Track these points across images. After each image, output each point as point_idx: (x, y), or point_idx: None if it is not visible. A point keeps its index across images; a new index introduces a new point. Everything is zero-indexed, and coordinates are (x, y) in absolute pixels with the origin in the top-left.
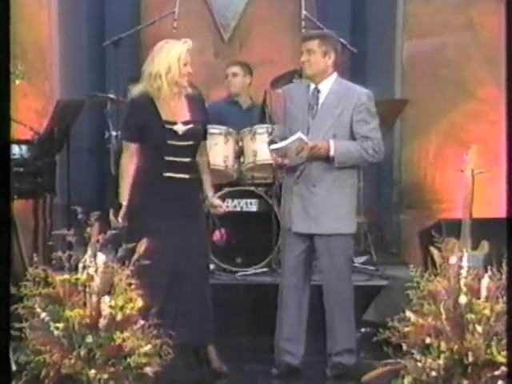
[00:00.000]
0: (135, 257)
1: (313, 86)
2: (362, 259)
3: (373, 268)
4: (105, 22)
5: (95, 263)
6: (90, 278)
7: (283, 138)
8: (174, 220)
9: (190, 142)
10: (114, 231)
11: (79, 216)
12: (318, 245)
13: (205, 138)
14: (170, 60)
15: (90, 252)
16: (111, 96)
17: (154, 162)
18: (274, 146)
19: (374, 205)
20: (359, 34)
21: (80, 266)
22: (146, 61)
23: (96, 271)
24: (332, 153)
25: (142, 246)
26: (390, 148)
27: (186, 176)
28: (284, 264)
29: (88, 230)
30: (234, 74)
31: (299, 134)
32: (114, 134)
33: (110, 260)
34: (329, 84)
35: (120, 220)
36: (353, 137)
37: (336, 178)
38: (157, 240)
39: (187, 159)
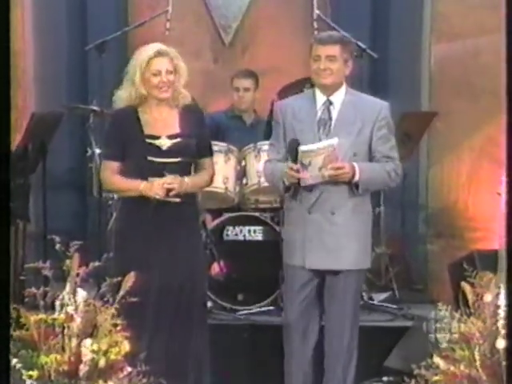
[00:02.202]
0: (121, 293)
1: (322, 97)
2: (383, 296)
3: (395, 307)
4: (87, 22)
5: (75, 301)
6: (69, 317)
7: (283, 161)
8: (165, 251)
9: (178, 159)
10: (96, 263)
11: (57, 246)
12: (331, 281)
13: (206, 156)
14: (134, 72)
15: (68, 288)
16: (94, 108)
17: None
18: (304, 148)
19: (397, 233)
20: (380, 36)
21: (57, 304)
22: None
23: (76, 310)
24: (357, 178)
25: (129, 280)
26: (416, 168)
27: (177, 200)
28: (290, 305)
29: (67, 262)
30: (247, 89)
31: (336, 140)
32: (97, 151)
33: (91, 297)
34: (341, 95)
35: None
36: (370, 156)
37: (355, 204)
38: (145, 274)
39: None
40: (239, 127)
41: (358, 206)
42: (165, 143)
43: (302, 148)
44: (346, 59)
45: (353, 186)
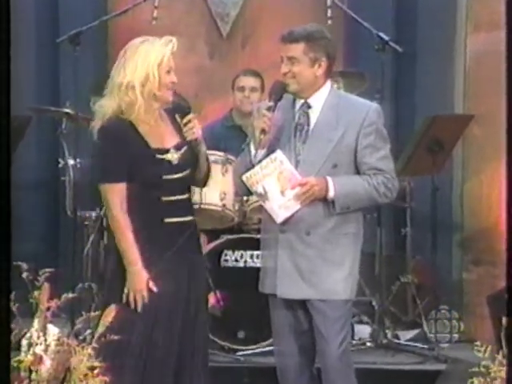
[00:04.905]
0: (100, 330)
1: (300, 99)
2: (411, 334)
3: (425, 346)
4: (59, 10)
5: (45, 339)
6: (38, 359)
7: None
8: (174, 280)
9: (187, 172)
10: (70, 295)
11: (23, 274)
12: (312, 313)
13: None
14: (147, 67)
15: (37, 324)
16: (67, 111)
17: (149, 206)
18: (246, 175)
19: (426, 259)
20: (406, 26)
21: (24, 343)
22: (115, 66)
23: (46, 350)
24: (332, 194)
25: (110, 314)
26: (449, 181)
27: (187, 218)
28: (276, 342)
29: (35, 293)
30: (253, 89)
31: (279, 152)
32: (71, 162)
33: (64, 335)
34: (322, 97)
35: (154, 288)
36: (356, 168)
37: (336, 223)
38: (149, 308)
39: (186, 195)
40: (238, 138)
41: (340, 226)
42: (175, 157)
43: (243, 177)
44: (316, 58)
45: (330, 203)
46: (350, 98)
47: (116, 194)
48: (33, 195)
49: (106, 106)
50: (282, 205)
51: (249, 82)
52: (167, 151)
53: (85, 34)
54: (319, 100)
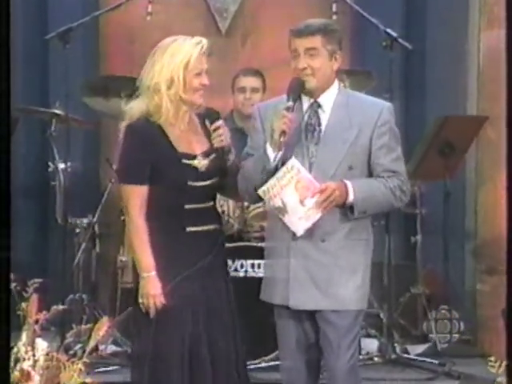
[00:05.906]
0: (91, 344)
1: (309, 99)
2: (421, 349)
3: (437, 362)
4: (48, 5)
5: (33, 354)
6: (26, 375)
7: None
8: (200, 292)
9: (215, 180)
10: (60, 307)
11: (11, 285)
12: (322, 324)
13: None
14: (172, 69)
15: (25, 338)
16: (57, 112)
17: (172, 213)
18: (262, 188)
19: (438, 269)
20: (415, 22)
21: (11, 358)
22: (145, 66)
23: (34, 366)
24: (351, 198)
25: (102, 327)
26: (462, 186)
27: (211, 227)
28: (283, 355)
29: (23, 305)
30: (255, 90)
31: (294, 160)
32: (61, 166)
33: (54, 349)
34: (331, 96)
35: (162, 300)
36: (370, 170)
37: (350, 229)
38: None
39: (210, 203)
40: (239, 142)
41: (354, 232)
42: (203, 164)
43: (259, 191)
44: (333, 51)
45: (347, 208)
46: (359, 97)
47: (137, 197)
48: (21, 201)
49: (134, 108)
50: (302, 216)
51: (249, 82)
52: (194, 157)
53: (75, 30)
54: (329, 99)
